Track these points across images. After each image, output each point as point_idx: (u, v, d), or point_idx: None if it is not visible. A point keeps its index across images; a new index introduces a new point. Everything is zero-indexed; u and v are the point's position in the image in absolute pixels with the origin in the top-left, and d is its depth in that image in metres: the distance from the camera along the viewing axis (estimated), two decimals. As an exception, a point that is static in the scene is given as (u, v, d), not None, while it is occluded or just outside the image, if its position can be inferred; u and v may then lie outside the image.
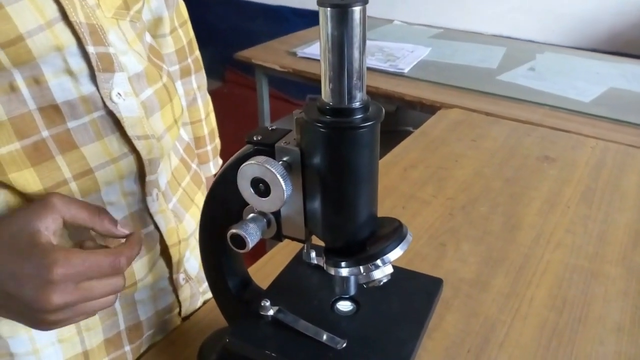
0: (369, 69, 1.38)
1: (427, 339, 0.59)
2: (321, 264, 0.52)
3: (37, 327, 0.44)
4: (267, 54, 1.55)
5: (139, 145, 0.51)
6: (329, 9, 0.33)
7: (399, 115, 1.64)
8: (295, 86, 1.63)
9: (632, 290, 0.67)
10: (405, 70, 1.37)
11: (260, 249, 0.77)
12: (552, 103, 1.20)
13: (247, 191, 0.39)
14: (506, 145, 1.04)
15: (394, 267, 0.48)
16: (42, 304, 0.40)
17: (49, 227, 0.43)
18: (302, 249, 0.50)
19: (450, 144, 1.05)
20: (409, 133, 1.12)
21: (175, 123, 0.59)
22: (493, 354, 0.58)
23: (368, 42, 1.58)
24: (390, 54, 1.48)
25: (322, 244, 0.43)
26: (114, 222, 0.48)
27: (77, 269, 0.41)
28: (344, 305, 0.47)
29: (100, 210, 0.47)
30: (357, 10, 0.33)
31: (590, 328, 0.62)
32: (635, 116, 1.14)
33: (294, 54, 1.52)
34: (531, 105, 1.20)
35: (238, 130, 0.76)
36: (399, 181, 0.92)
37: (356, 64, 0.35)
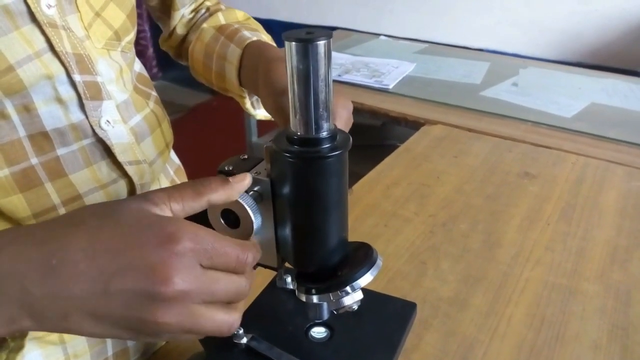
0: (354, 84, 1.39)
1: (405, 361, 0.60)
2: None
3: (137, 334, 0.33)
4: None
5: (130, 170, 0.52)
6: (293, 43, 0.34)
7: (385, 130, 1.66)
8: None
9: (609, 308, 0.68)
10: (390, 87, 1.39)
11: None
12: (534, 119, 1.21)
13: (217, 223, 0.39)
14: (487, 162, 1.05)
15: (368, 291, 0.49)
16: (159, 286, 0.30)
17: (159, 200, 0.34)
18: (277, 275, 0.50)
19: (433, 160, 1.06)
20: (395, 147, 1.12)
21: (167, 147, 0.60)
22: (471, 374, 0.58)
23: (354, 58, 1.60)
24: (376, 69, 1.49)
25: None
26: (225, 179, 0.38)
27: (205, 247, 0.32)
28: (318, 332, 0.47)
29: (203, 182, 0.37)
30: (321, 44, 0.34)
31: (568, 346, 0.62)
32: (615, 131, 1.15)
33: (280, 70, 1.53)
34: (513, 120, 1.22)
35: (228, 143, 0.76)
36: (381, 199, 0.92)
37: (322, 96, 0.35)
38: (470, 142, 1.13)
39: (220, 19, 0.72)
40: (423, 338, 0.63)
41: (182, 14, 0.72)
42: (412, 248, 0.80)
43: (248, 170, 0.40)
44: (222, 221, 0.39)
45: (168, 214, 0.34)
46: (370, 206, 0.90)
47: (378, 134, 1.65)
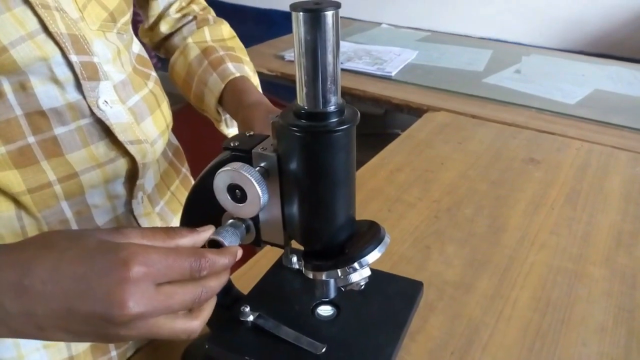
0: (357, 72, 1.38)
1: (411, 342, 0.59)
2: (302, 268, 0.52)
3: (105, 341, 0.37)
4: (255, 58, 1.53)
5: (132, 149, 0.52)
6: (301, 13, 0.33)
7: (387, 118, 1.65)
8: (283, 90, 1.63)
9: (615, 291, 0.68)
10: (393, 74, 1.38)
11: (252, 252, 0.77)
12: (537, 105, 1.21)
13: (223, 197, 0.39)
14: (492, 148, 1.04)
15: (375, 270, 0.48)
16: (115, 311, 0.32)
17: (132, 236, 0.36)
18: (283, 254, 0.50)
19: (437, 146, 1.05)
20: (397, 136, 1.12)
21: (167, 128, 0.61)
22: (477, 356, 0.58)
23: (356, 46, 1.59)
24: (378, 57, 1.48)
25: (302, 248, 0.43)
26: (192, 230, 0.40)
27: (157, 266, 0.33)
28: (325, 310, 0.46)
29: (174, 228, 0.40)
30: (329, 14, 0.33)
31: (574, 329, 0.62)
32: (619, 118, 1.15)
33: (282, 58, 1.52)
34: (517, 107, 1.21)
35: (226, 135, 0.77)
36: (385, 184, 0.92)
37: (330, 68, 0.35)
38: (474, 128, 1.13)
39: (206, 35, 0.73)
40: (428, 320, 0.63)
41: (163, 7, 0.72)
42: (416, 232, 0.79)
43: (254, 147, 0.40)
44: (229, 196, 0.38)
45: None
46: (374, 191, 0.90)
47: (381, 122, 1.65)
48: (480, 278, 0.70)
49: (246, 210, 0.39)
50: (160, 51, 0.76)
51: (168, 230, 0.38)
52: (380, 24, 1.89)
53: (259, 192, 0.37)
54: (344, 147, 0.36)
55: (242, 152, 0.40)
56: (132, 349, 0.60)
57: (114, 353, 0.58)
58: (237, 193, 0.38)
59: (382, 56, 1.49)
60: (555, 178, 0.94)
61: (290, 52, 1.54)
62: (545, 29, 2.09)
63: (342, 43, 1.58)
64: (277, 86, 1.61)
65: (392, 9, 2.27)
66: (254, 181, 0.37)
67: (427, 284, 0.62)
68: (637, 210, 0.85)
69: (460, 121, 1.16)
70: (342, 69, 1.39)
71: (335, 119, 0.36)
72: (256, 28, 2.78)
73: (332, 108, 0.36)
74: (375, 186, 0.91)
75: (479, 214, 0.84)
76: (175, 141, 0.71)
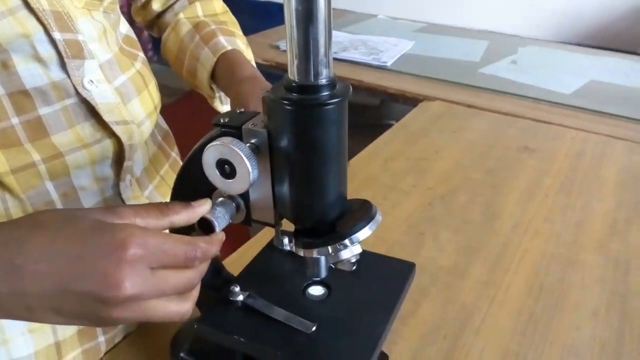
0: (352, 62, 1.38)
1: (403, 326, 0.59)
2: (293, 249, 0.52)
3: (96, 324, 0.37)
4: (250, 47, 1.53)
5: (118, 130, 0.51)
6: (292, -17, 0.32)
7: (383, 109, 1.64)
8: (278, 80, 1.62)
9: (609, 277, 0.68)
10: (389, 64, 1.37)
11: (245, 237, 0.76)
12: (533, 95, 1.20)
13: (212, 173, 0.38)
14: (487, 137, 1.04)
15: (366, 252, 0.48)
16: (111, 292, 0.32)
17: (125, 215, 0.36)
18: (274, 234, 0.49)
19: (432, 135, 1.05)
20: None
21: (155, 110, 0.59)
22: (469, 340, 0.58)
23: (351, 36, 1.58)
24: (374, 47, 1.48)
25: (293, 229, 0.42)
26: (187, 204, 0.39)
27: (154, 251, 0.33)
28: (316, 290, 0.46)
29: (167, 204, 0.39)
30: (320, -16, 0.33)
31: (567, 314, 0.62)
32: (615, 107, 1.14)
33: (277, 48, 1.51)
34: (513, 97, 1.21)
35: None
36: (379, 172, 0.92)
37: (322, 40, 0.34)
38: (469, 118, 1.12)
39: (198, 10, 0.71)
40: (421, 305, 0.63)
41: None
42: (410, 220, 0.79)
43: (244, 123, 0.39)
44: (218, 172, 0.38)
45: None
46: (368, 179, 0.89)
47: (376, 113, 1.64)
48: (473, 264, 0.70)
49: (236, 186, 0.38)
50: (154, 30, 0.75)
51: (162, 207, 0.38)
52: (376, 15, 1.88)
53: (248, 167, 0.36)
54: (335, 121, 0.36)
55: (232, 129, 0.39)
56: (120, 335, 0.59)
57: (101, 339, 0.57)
58: (227, 168, 0.37)
59: (378, 46, 1.48)
60: (550, 166, 0.93)
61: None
62: (541, 21, 2.08)
63: (337, 33, 1.57)
64: (272, 76, 1.61)
65: (388, 0, 2.26)
66: (243, 156, 0.36)
67: (420, 270, 0.61)
68: (632, 198, 0.84)
69: (455, 110, 1.16)
70: (338, 59, 1.38)
71: (327, 92, 0.35)
72: (253, 20, 2.77)
73: (323, 81, 0.35)
74: (370, 174, 0.91)
75: (473, 201, 0.83)
76: (165, 125, 0.70)
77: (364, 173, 0.91)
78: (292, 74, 0.35)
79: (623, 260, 0.70)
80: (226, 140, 0.37)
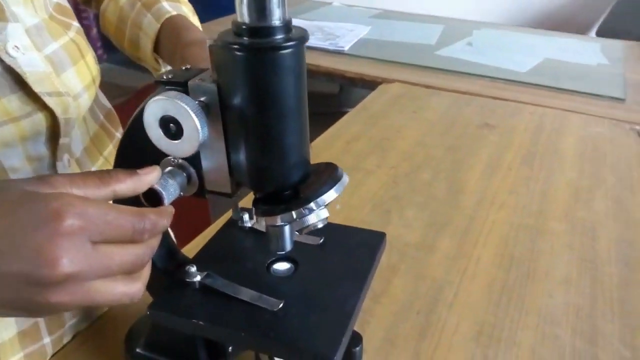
0: (309, 48, 1.34)
1: (375, 304, 0.56)
2: (255, 225, 0.48)
3: (31, 313, 0.32)
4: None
5: (51, 102, 0.45)
6: None
7: (342, 96, 1.62)
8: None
9: (577, 244, 0.67)
10: (346, 48, 1.34)
11: (206, 223, 0.71)
12: (490, 74, 1.20)
13: (156, 133, 0.34)
14: (447, 115, 1.03)
15: (334, 224, 0.45)
16: (45, 270, 0.28)
17: (58, 184, 0.31)
18: (232, 208, 0.45)
19: (392, 116, 1.03)
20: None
21: (93, 82, 0.54)
22: (443, 314, 0.55)
23: (307, 23, 1.54)
24: (330, 33, 1.45)
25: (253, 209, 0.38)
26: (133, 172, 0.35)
27: (95, 222, 0.29)
28: (281, 266, 0.42)
29: (109, 171, 0.35)
30: None
31: (539, 282, 0.60)
32: (570, 83, 1.15)
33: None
34: (470, 77, 1.20)
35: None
36: (342, 154, 0.88)
37: (274, -26, 0.30)
38: (428, 98, 1.11)
39: None
40: (392, 282, 0.60)
41: None
42: (375, 198, 0.76)
43: (190, 79, 0.35)
44: (162, 132, 0.33)
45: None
46: (331, 160, 0.86)
47: (336, 101, 1.61)
48: (441, 239, 0.68)
49: (183, 147, 0.34)
50: (92, 4, 0.69)
51: (102, 175, 0.33)
52: (331, 3, 1.85)
53: (196, 123, 0.32)
54: (292, 69, 0.32)
55: (178, 85, 0.35)
56: (68, 334, 0.54)
57: (47, 340, 0.51)
58: (172, 127, 0.33)
59: (334, 32, 1.46)
60: (511, 141, 0.93)
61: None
62: (494, 7, 2.11)
63: (293, 20, 1.53)
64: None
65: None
66: (189, 110, 0.32)
67: (388, 247, 0.59)
68: (592, 167, 0.85)
69: (414, 91, 1.14)
70: (293, 45, 1.34)
71: (282, 35, 0.31)
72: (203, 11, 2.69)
73: (277, 22, 0.31)
74: (332, 156, 0.88)
75: (437, 178, 0.81)
76: (107, 104, 0.65)
77: (326, 155, 0.88)
78: (242, 15, 0.31)
79: (589, 227, 0.70)
80: (170, 94, 0.33)
